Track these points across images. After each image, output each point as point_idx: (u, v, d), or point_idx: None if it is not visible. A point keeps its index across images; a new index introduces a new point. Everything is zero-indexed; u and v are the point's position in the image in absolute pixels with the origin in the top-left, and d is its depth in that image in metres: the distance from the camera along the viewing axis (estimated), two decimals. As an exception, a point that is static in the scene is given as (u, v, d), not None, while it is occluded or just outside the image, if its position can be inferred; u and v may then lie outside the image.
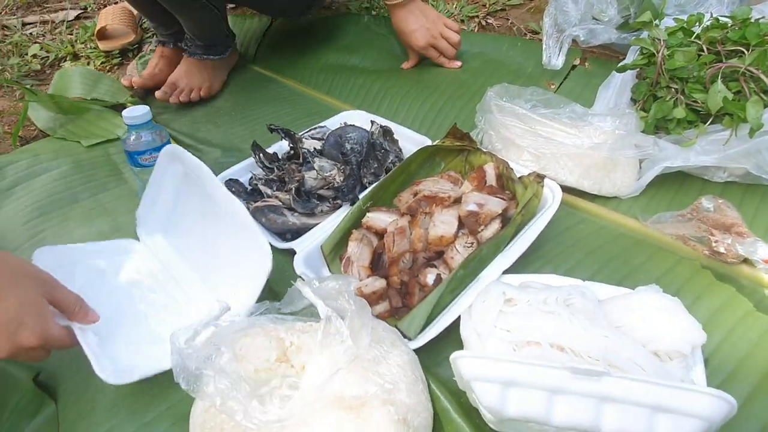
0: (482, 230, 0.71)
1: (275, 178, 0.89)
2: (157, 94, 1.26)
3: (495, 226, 0.71)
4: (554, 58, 1.06)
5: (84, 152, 1.11)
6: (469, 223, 0.71)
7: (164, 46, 1.36)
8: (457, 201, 0.75)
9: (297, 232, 0.81)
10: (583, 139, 0.78)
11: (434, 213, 0.73)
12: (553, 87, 1.06)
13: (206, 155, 1.09)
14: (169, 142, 0.90)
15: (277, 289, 0.74)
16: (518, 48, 1.20)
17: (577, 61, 1.11)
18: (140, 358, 0.64)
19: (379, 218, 0.76)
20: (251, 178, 0.91)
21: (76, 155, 1.10)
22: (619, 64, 0.91)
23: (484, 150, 0.84)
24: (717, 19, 0.86)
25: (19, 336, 0.57)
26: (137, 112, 0.86)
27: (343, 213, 0.82)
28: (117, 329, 0.67)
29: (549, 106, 0.87)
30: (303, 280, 0.73)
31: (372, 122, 0.93)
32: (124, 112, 0.86)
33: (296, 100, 1.24)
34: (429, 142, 0.92)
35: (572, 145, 0.79)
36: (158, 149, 0.88)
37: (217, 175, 0.73)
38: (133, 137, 0.88)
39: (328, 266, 0.77)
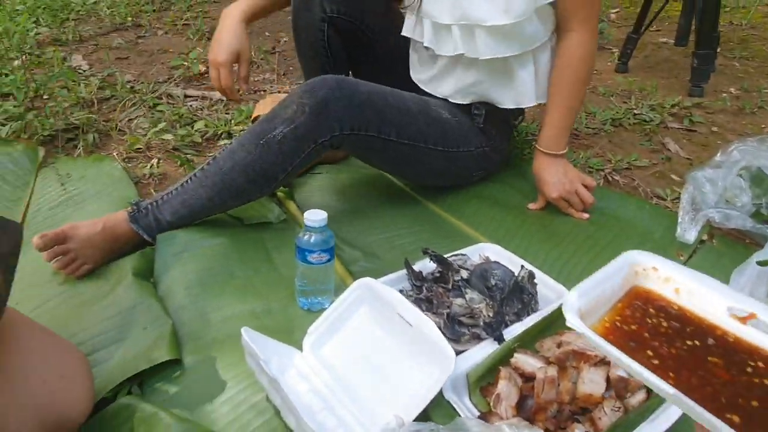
0: (629, 397, 0.76)
1: (423, 297, 0.97)
2: None
3: (642, 395, 0.76)
4: (688, 233, 1.13)
5: (241, 232, 1.25)
6: (617, 388, 0.76)
7: None
8: (603, 361, 0.81)
9: (442, 355, 0.89)
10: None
11: (582, 369, 0.79)
12: (682, 258, 1.13)
13: (347, 255, 1.19)
14: (333, 247, 1.01)
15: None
16: (646, 211, 1.28)
17: (705, 237, 1.18)
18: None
19: (527, 362, 0.82)
20: (400, 291, 1.00)
21: (235, 233, 1.24)
22: (760, 258, 0.97)
23: (625, 313, 0.90)
24: None
25: None
26: (318, 216, 0.98)
27: (485, 345, 0.89)
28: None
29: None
30: (453, 406, 0.80)
31: (522, 266, 1.01)
32: (306, 215, 0.99)
33: (430, 219, 1.34)
34: (565, 291, 0.99)
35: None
36: (325, 251, 1.00)
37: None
38: (307, 236, 0.99)
39: (470, 394, 0.83)
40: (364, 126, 1.18)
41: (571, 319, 0.45)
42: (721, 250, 1.15)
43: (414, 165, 1.30)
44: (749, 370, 0.44)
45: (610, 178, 1.46)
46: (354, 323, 0.91)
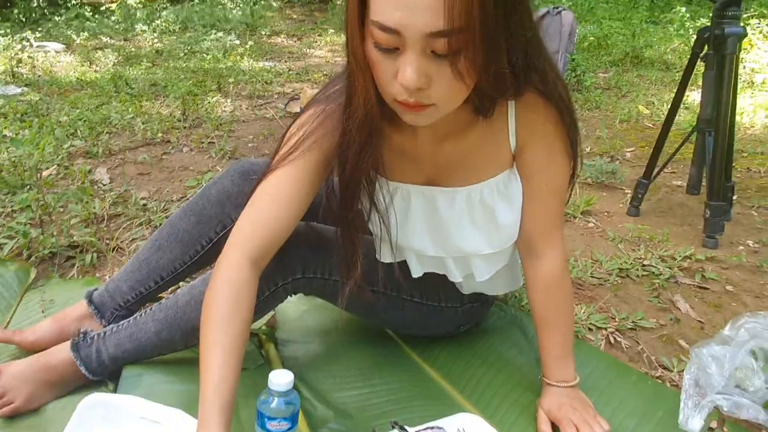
0: None
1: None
2: None
3: None
4: (691, 421, 1.02)
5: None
6: None
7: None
8: None
9: None
10: None
11: None
12: (687, 449, 1.01)
13: (319, 414, 1.11)
14: (298, 412, 0.93)
15: None
16: (648, 386, 1.17)
17: (714, 424, 1.06)
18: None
19: None
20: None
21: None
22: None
23: None
24: None
25: None
26: (284, 379, 0.91)
27: None
28: None
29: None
30: None
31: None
32: (271, 376, 0.92)
33: (413, 375, 1.25)
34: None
35: None
36: (287, 419, 0.92)
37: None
38: (268, 400, 0.92)
39: None
40: (328, 270, 1.11)
41: None
42: (733, 441, 1.03)
43: (386, 314, 1.23)
44: None
45: (612, 340, 1.36)
46: None
